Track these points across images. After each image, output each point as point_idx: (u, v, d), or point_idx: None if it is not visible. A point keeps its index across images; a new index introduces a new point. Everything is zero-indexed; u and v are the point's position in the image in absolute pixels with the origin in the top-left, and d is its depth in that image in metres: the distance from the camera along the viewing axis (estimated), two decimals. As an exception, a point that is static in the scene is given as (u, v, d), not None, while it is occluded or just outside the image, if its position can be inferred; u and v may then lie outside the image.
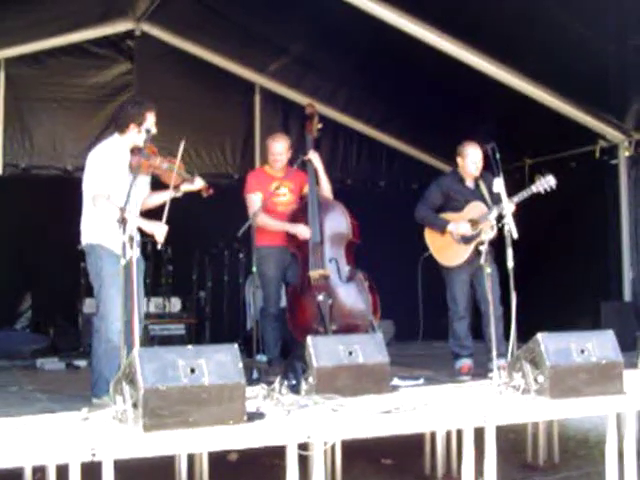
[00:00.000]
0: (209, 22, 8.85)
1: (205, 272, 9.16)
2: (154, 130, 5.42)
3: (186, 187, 5.63)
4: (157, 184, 5.61)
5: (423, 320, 6.95)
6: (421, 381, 5.76)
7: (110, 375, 5.13)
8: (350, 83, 9.48)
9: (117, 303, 4.97)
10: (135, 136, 5.43)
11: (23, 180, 8.98)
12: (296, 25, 8.19)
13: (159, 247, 5.44)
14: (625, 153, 8.32)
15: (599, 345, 4.86)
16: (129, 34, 9.32)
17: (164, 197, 5.60)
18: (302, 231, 6.53)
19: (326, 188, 6.79)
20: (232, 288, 9.20)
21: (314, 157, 6.76)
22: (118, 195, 5.11)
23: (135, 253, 5.15)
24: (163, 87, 9.07)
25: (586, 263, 8.53)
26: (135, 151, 5.38)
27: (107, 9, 8.89)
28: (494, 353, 5.61)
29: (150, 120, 5.42)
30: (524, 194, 6.25)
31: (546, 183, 6.26)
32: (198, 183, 5.66)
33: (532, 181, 6.34)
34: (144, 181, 5.55)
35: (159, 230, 5.24)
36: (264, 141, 7.60)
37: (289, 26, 8.30)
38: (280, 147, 6.78)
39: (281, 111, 9.98)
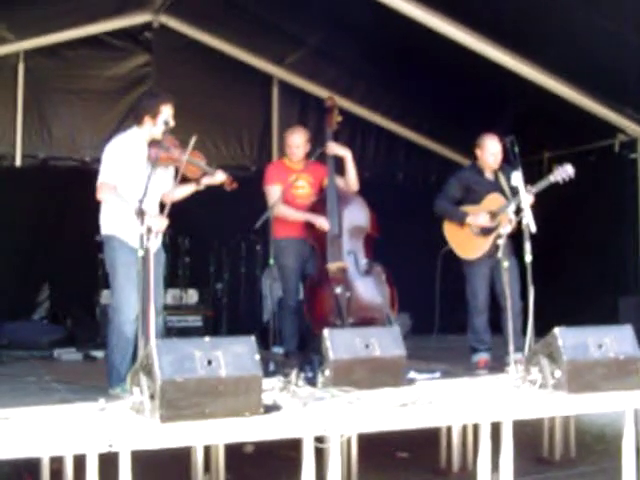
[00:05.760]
0: (227, 14, 8.85)
1: (222, 264, 9.16)
2: (172, 122, 5.43)
3: (207, 180, 5.64)
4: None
5: (440, 313, 6.93)
6: (438, 374, 5.75)
7: (121, 366, 5.18)
8: (368, 75, 9.46)
9: (130, 294, 4.99)
10: (151, 128, 5.43)
11: (41, 171, 9.02)
12: (314, 17, 8.17)
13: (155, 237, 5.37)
14: (644, 147, 8.28)
15: (617, 340, 4.84)
16: (147, 26, 9.33)
17: (187, 190, 5.67)
18: (322, 222, 6.52)
19: (353, 176, 6.76)
20: (249, 280, 9.21)
21: (338, 148, 6.74)
22: (135, 187, 5.12)
23: (154, 245, 5.21)
24: (181, 79, 9.08)
25: (604, 257, 8.49)
26: (154, 143, 5.37)
27: (125, 1, 8.91)
28: (511, 347, 5.60)
29: (166, 113, 5.41)
30: (543, 184, 6.19)
31: (564, 172, 6.19)
32: (219, 176, 5.65)
33: (550, 172, 6.29)
34: (165, 174, 5.55)
35: (158, 223, 5.24)
36: (282, 133, 7.60)
37: (307, 18, 8.29)
38: (297, 139, 6.78)
39: (298, 103, 9.97)
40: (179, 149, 5.45)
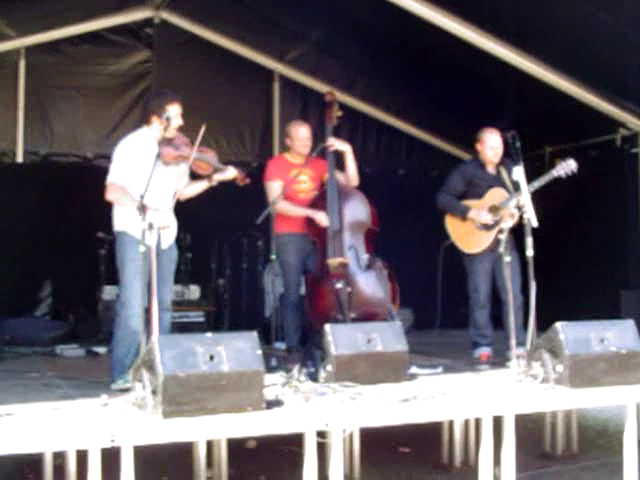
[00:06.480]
0: (228, 10, 8.84)
1: (224, 260, 9.17)
2: (178, 121, 5.46)
3: (219, 176, 5.67)
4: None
5: (442, 308, 6.93)
6: (440, 369, 5.75)
7: (126, 360, 5.22)
8: (369, 71, 9.46)
9: (138, 289, 5.01)
10: (159, 128, 5.45)
11: (43, 168, 9.02)
12: (315, 12, 8.16)
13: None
14: (645, 142, 8.27)
15: (619, 334, 4.84)
16: (148, 22, 9.32)
17: (200, 187, 5.74)
18: (321, 217, 6.52)
19: (354, 171, 6.75)
20: (251, 276, 9.21)
21: (338, 143, 6.73)
22: (143, 185, 5.14)
23: (166, 241, 5.29)
24: (182, 75, 9.09)
25: (606, 252, 8.49)
26: (165, 142, 5.41)
27: (126, -3, 8.92)
28: (513, 342, 5.60)
29: (172, 111, 5.44)
30: (545, 178, 6.22)
31: (567, 167, 6.22)
32: (231, 172, 5.70)
33: (553, 167, 6.29)
34: (177, 171, 5.59)
35: (160, 219, 5.25)
36: (283, 129, 7.59)
37: (308, 14, 8.28)
38: (307, 132, 6.79)
39: (300, 99, 9.97)
40: (190, 147, 5.49)
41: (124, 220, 5.40)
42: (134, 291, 5.17)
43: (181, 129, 5.59)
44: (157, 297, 4.93)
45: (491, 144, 6.61)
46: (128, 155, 5.42)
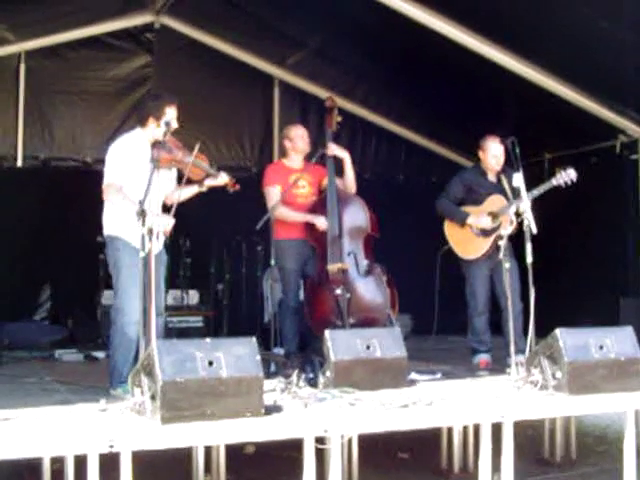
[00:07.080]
0: (228, 15, 8.85)
1: (223, 265, 9.16)
2: (175, 124, 5.44)
3: (210, 182, 5.65)
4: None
5: (440, 315, 6.93)
6: (439, 375, 5.75)
7: (123, 367, 5.19)
8: (369, 76, 9.47)
9: (133, 295, 5.00)
10: (155, 130, 5.44)
11: (43, 172, 9.02)
12: (315, 18, 8.17)
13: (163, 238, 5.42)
14: (645, 148, 8.28)
15: (618, 341, 4.84)
16: (148, 27, 9.32)
17: (190, 192, 5.68)
18: (321, 222, 6.51)
19: (352, 178, 6.76)
20: (250, 281, 9.19)
21: (338, 149, 6.74)
22: (137, 188, 5.13)
23: (156, 246, 5.21)
24: (182, 80, 9.08)
25: (605, 259, 8.49)
26: (157, 145, 5.38)
27: (126, 2, 8.91)
28: (512, 349, 5.60)
29: (170, 114, 5.43)
30: (545, 187, 6.23)
31: (567, 176, 6.24)
32: (222, 178, 5.67)
33: (552, 175, 6.31)
34: (168, 175, 5.57)
35: (162, 223, 5.22)
36: (282, 134, 7.59)
37: (308, 19, 8.29)
38: (304, 129, 6.83)
39: (300, 104, 9.98)
40: (182, 151, 5.46)
41: (117, 224, 5.38)
42: (130, 297, 5.15)
43: (178, 132, 5.58)
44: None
45: (493, 152, 6.63)
46: (123, 156, 5.39)
